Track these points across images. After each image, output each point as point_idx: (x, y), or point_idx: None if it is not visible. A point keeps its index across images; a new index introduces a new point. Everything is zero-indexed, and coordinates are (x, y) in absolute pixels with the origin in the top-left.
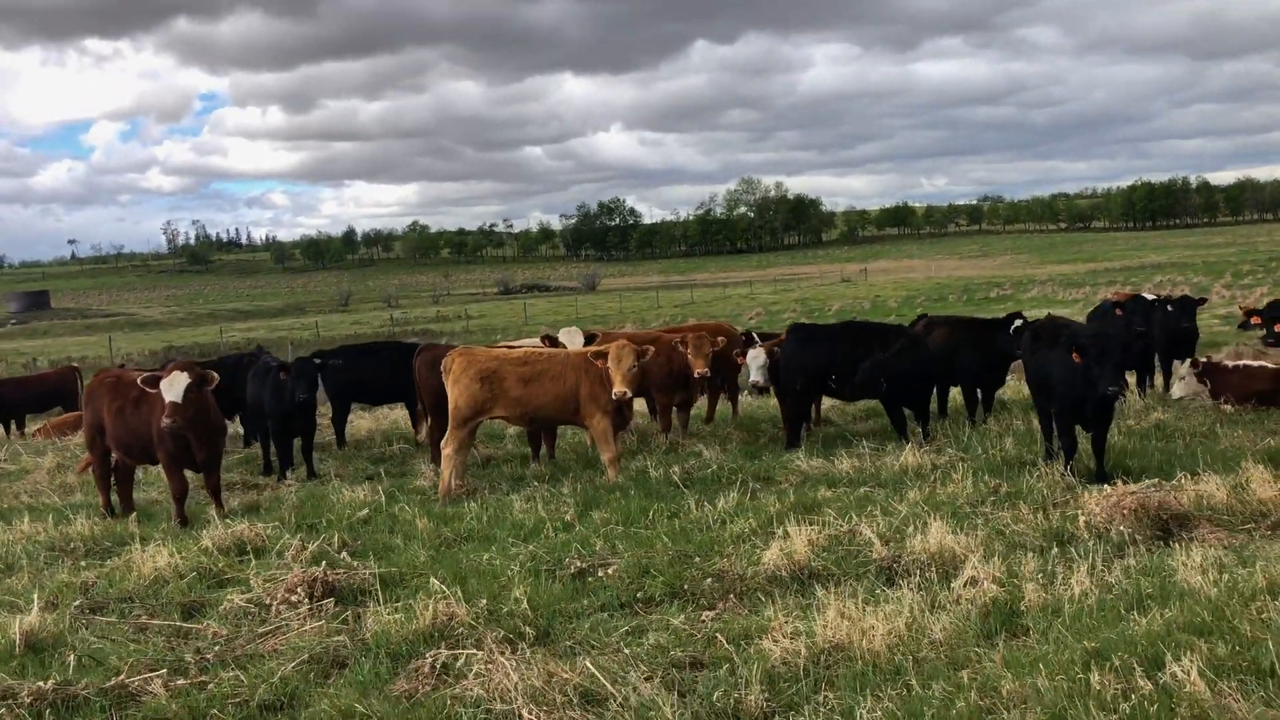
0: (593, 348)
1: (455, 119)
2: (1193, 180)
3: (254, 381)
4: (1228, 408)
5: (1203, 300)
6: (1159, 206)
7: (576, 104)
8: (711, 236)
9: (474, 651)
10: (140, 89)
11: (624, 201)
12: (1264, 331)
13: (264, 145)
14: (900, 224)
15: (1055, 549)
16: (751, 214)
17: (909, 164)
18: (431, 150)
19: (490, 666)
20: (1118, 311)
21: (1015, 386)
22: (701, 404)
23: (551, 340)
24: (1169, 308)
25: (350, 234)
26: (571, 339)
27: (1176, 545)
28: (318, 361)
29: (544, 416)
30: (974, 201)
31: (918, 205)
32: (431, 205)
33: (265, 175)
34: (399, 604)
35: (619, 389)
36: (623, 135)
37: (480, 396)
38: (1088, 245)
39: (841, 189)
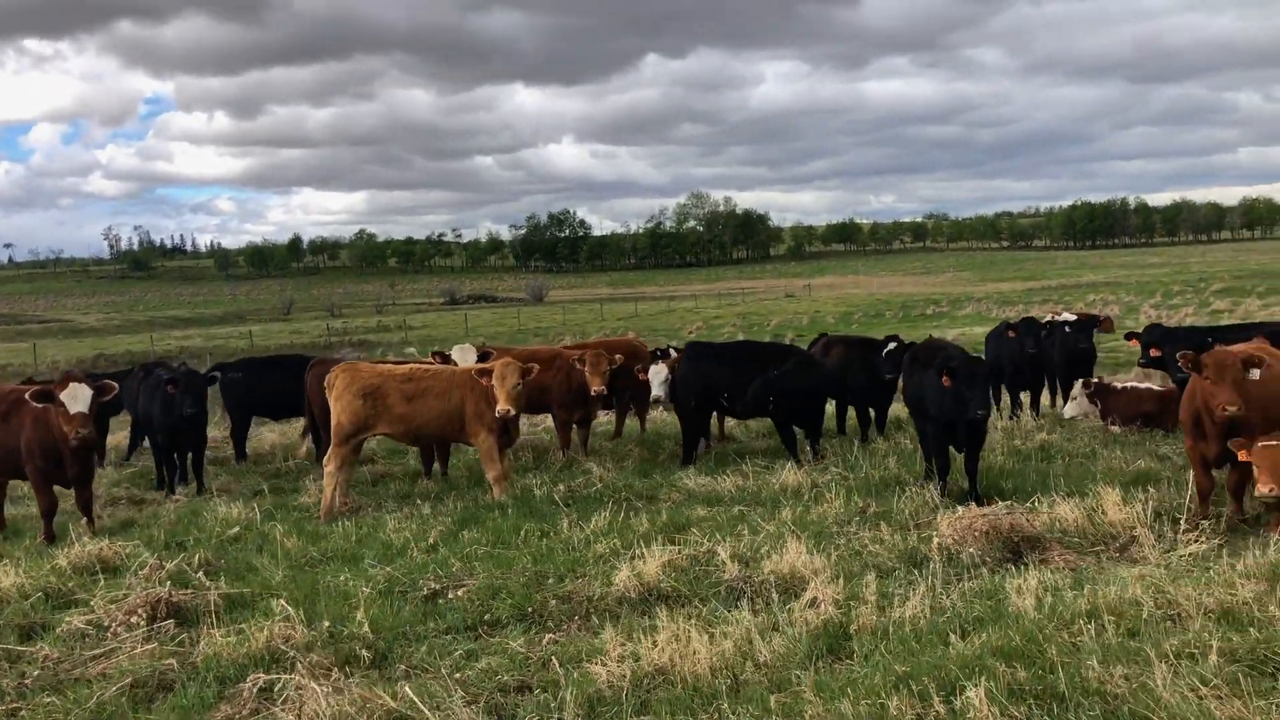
0: (478, 365)
1: (405, 127)
2: (1131, 201)
3: (144, 394)
4: (1115, 428)
5: (1107, 320)
6: (1098, 226)
7: (528, 115)
8: (661, 250)
9: (289, 676)
10: (82, 91)
11: (574, 213)
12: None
13: (210, 151)
14: (847, 240)
15: (905, 570)
16: (701, 228)
17: (858, 181)
18: (381, 158)
19: (301, 692)
20: (1010, 333)
21: None
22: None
23: (444, 357)
24: (1066, 328)
25: (296, 241)
26: (464, 356)
27: (1021, 568)
28: (212, 375)
29: (428, 434)
30: (919, 219)
31: (864, 222)
32: (381, 214)
33: (211, 181)
34: (233, 626)
35: (503, 406)
36: (574, 147)
37: (363, 413)
38: (1028, 264)
39: (792, 204)
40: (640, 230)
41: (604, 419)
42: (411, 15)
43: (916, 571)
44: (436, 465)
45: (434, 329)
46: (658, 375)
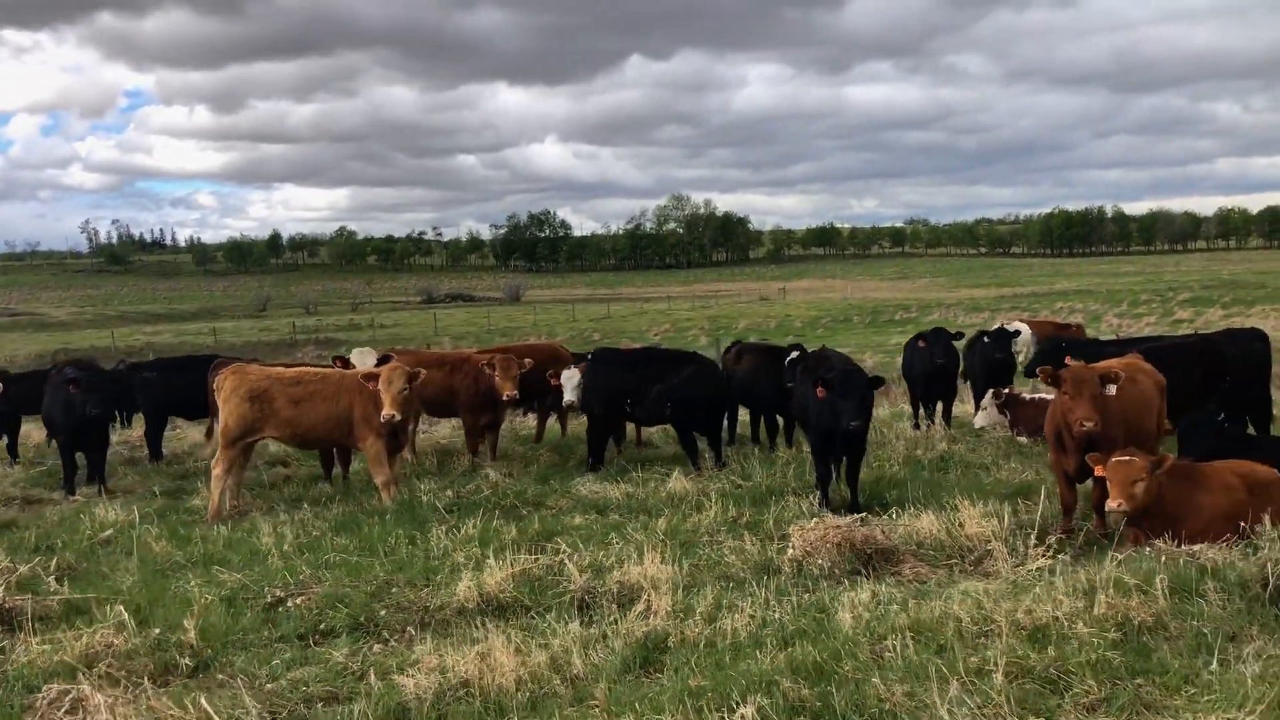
0: (365, 369)
1: (388, 124)
2: (1108, 210)
3: (48, 394)
4: (1023, 439)
5: (1017, 332)
6: (1075, 234)
7: (511, 114)
8: (641, 251)
9: (77, 686)
10: (62, 83)
11: (554, 213)
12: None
13: (191, 145)
14: (826, 244)
15: (755, 581)
16: (681, 230)
17: (840, 185)
18: (363, 155)
19: (84, 704)
20: (921, 343)
21: None
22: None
23: (345, 362)
24: (985, 339)
25: (275, 238)
26: (363, 360)
27: (865, 580)
28: (117, 374)
29: (316, 438)
30: (898, 224)
31: (843, 226)
32: (363, 211)
33: (192, 175)
34: (48, 635)
35: (388, 411)
36: (557, 147)
37: (250, 416)
38: (1004, 270)
39: (774, 208)
40: (620, 231)
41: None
42: (394, 12)
43: (761, 582)
44: (338, 469)
45: (404, 327)
46: (570, 381)
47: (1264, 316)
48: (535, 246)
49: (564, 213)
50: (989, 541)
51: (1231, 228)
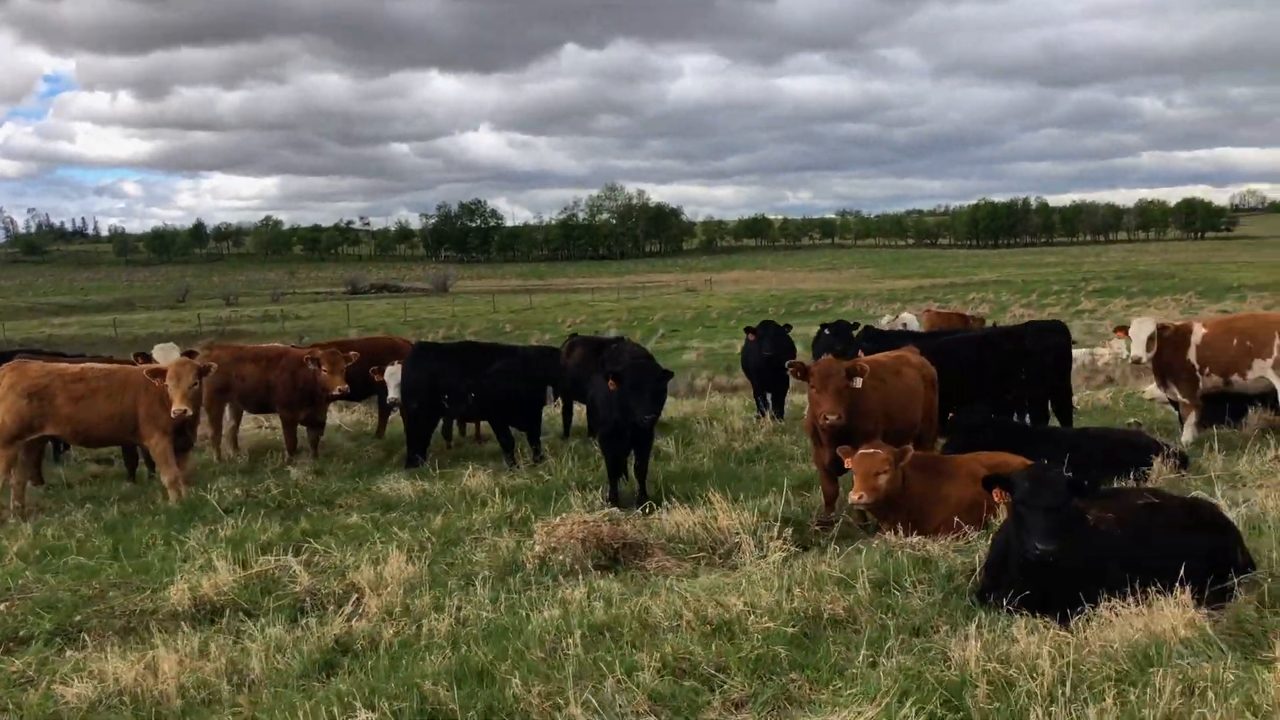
0: (150, 365)
1: (318, 112)
2: (1033, 201)
3: None
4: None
5: (855, 325)
6: (1001, 225)
7: (444, 102)
8: (574, 242)
9: None
10: None
11: (485, 203)
12: None
13: (115, 131)
14: (758, 235)
15: (496, 579)
16: (614, 220)
17: (774, 176)
18: (293, 143)
19: None
20: (750, 336)
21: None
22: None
23: (146, 358)
24: (825, 331)
25: (199, 227)
26: (165, 355)
27: (614, 574)
28: None
29: (100, 436)
30: (829, 216)
31: (775, 218)
32: (294, 200)
33: (116, 163)
34: None
35: (178, 407)
36: (492, 135)
37: (28, 413)
38: (930, 261)
39: (710, 199)
40: (553, 222)
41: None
42: None
43: (499, 580)
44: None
45: (322, 319)
46: (393, 377)
47: (1163, 306)
48: (466, 236)
49: (500, 203)
50: (738, 534)
51: (1151, 220)
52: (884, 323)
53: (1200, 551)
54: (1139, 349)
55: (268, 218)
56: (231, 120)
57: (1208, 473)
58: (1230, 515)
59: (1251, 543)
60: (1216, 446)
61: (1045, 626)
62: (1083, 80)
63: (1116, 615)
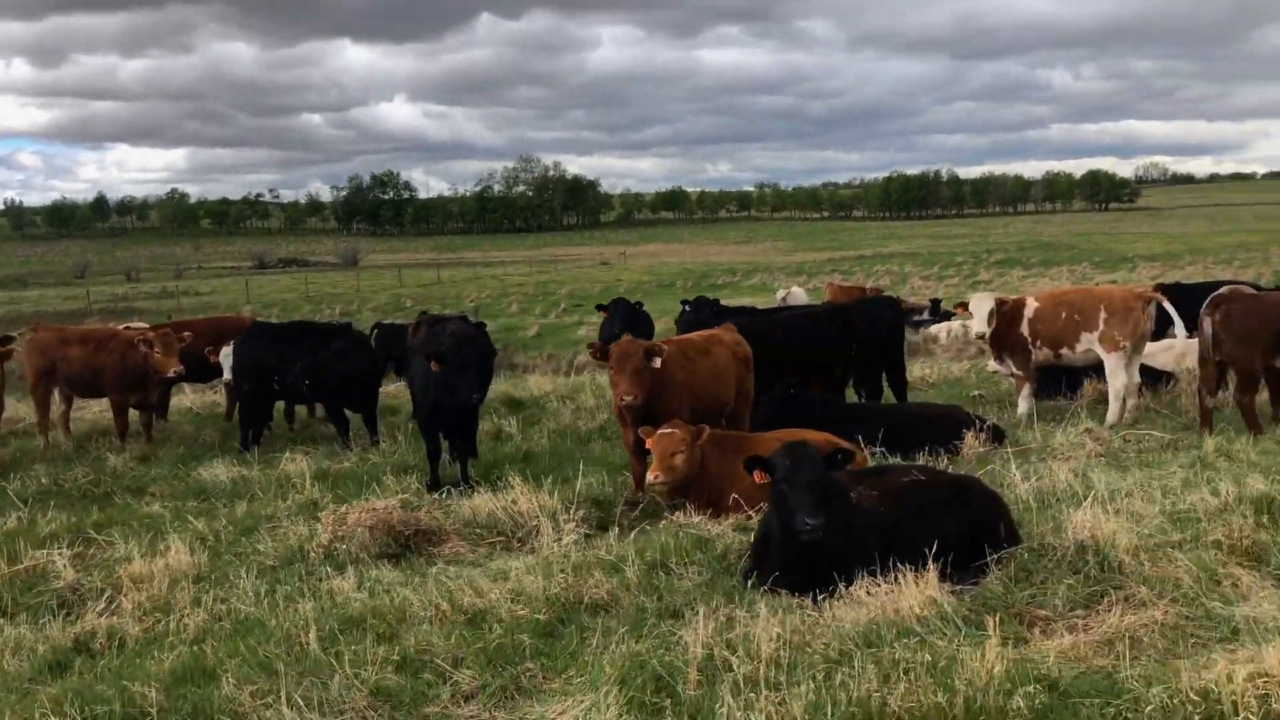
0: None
1: (226, 82)
2: (944, 174)
3: None
4: None
5: (715, 301)
6: (913, 198)
7: (357, 72)
8: (490, 214)
9: None
10: None
11: (398, 175)
12: None
13: (9, 100)
14: (675, 208)
15: (283, 569)
16: (530, 193)
17: (695, 149)
18: (201, 114)
19: None
20: (603, 313)
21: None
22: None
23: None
24: (686, 307)
25: (101, 200)
26: None
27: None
28: None
29: None
30: (749, 188)
31: (692, 190)
32: (203, 172)
33: (11, 133)
34: None
35: None
36: (407, 106)
37: None
38: (844, 234)
39: (631, 171)
40: (468, 194)
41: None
42: None
43: (278, 572)
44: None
45: (223, 295)
46: (227, 359)
47: (1058, 277)
48: (379, 209)
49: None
50: (537, 518)
51: (1057, 191)
52: (778, 297)
53: (963, 528)
54: (980, 324)
55: (173, 190)
56: (135, 90)
57: (1026, 445)
58: (1022, 489)
59: (1032, 517)
60: (1038, 420)
61: (799, 606)
62: (995, 53)
63: (868, 594)
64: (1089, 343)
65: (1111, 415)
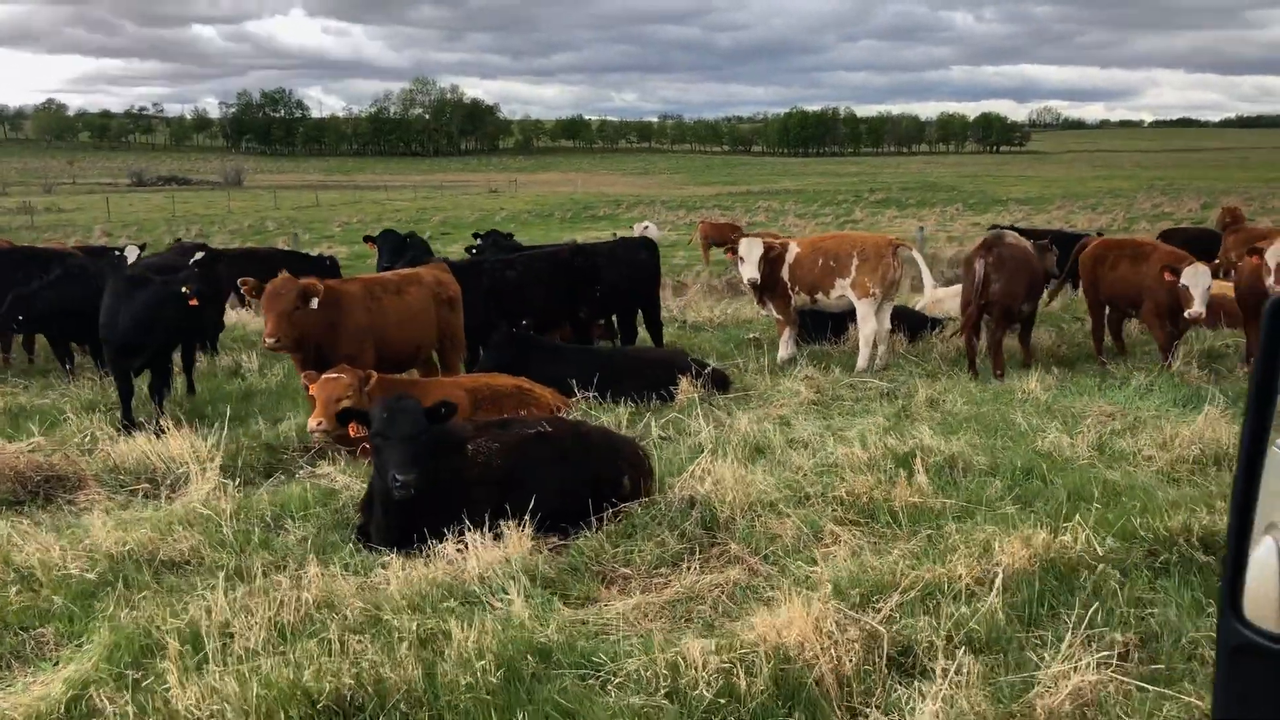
0: None
1: None
2: (842, 112)
3: None
4: None
5: (509, 236)
6: (811, 135)
7: None
8: (385, 137)
9: None
10: None
11: (290, 92)
12: None
13: None
14: (575, 137)
15: None
16: (427, 116)
17: (601, 77)
18: (85, 21)
19: None
20: (370, 245)
21: None
22: None
23: None
24: (477, 242)
25: None
26: None
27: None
28: None
29: None
30: (651, 119)
31: (593, 119)
32: (88, 83)
33: None
34: None
35: None
36: (305, 21)
37: None
38: (740, 169)
39: (536, 97)
40: (363, 115)
41: None
42: None
43: None
44: None
45: (86, 212)
46: None
47: (928, 218)
48: (270, 128)
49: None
50: (187, 464)
51: (951, 132)
52: (636, 230)
53: (583, 481)
54: (751, 270)
55: (49, 100)
56: None
57: (746, 391)
58: (701, 437)
59: (680, 469)
60: (767, 367)
61: (383, 566)
62: None
63: (460, 550)
64: (842, 288)
65: (861, 361)
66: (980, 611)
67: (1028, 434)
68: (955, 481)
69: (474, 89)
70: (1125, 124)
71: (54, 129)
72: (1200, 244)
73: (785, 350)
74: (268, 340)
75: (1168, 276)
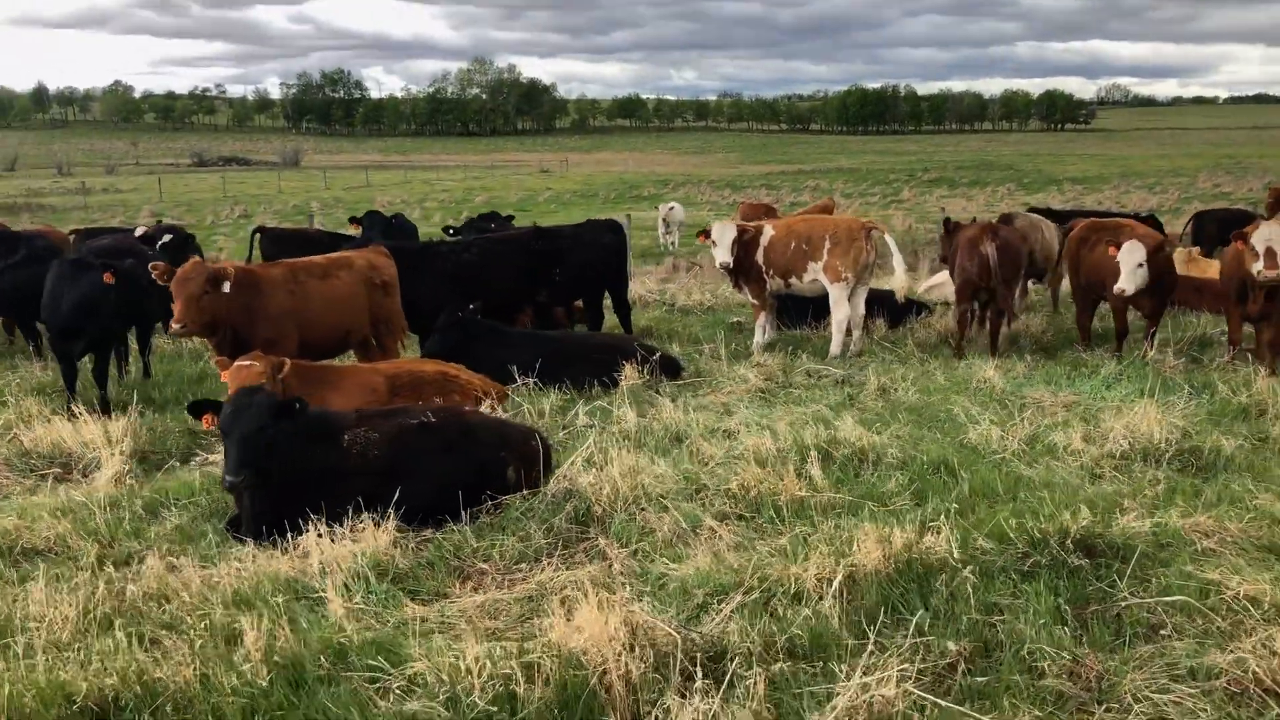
0: None
1: None
2: (901, 89)
3: None
4: None
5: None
6: (870, 112)
7: None
8: (443, 117)
9: None
10: None
11: (349, 73)
12: None
13: None
14: (631, 116)
15: None
16: (485, 96)
17: (660, 55)
18: (153, 3)
19: None
20: (355, 226)
21: None
22: None
23: None
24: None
25: (40, 91)
26: None
27: None
28: None
29: None
30: (711, 98)
31: (649, 98)
32: (157, 64)
33: None
34: None
35: None
36: (367, 2)
37: None
38: (797, 147)
39: (596, 75)
40: (421, 95)
41: None
42: None
43: None
44: None
45: (142, 193)
46: None
47: (968, 198)
48: (330, 108)
49: (377, 72)
50: (97, 450)
51: (1014, 110)
52: (660, 211)
53: (463, 473)
54: (724, 254)
55: (117, 82)
56: None
57: (705, 378)
58: (629, 423)
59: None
60: (724, 354)
61: (238, 558)
62: None
63: (314, 542)
64: (815, 272)
65: (834, 347)
66: (803, 617)
67: (962, 425)
68: (857, 475)
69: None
70: (1199, 101)
71: (121, 111)
72: (1231, 225)
73: (760, 335)
74: (175, 325)
75: (1111, 251)
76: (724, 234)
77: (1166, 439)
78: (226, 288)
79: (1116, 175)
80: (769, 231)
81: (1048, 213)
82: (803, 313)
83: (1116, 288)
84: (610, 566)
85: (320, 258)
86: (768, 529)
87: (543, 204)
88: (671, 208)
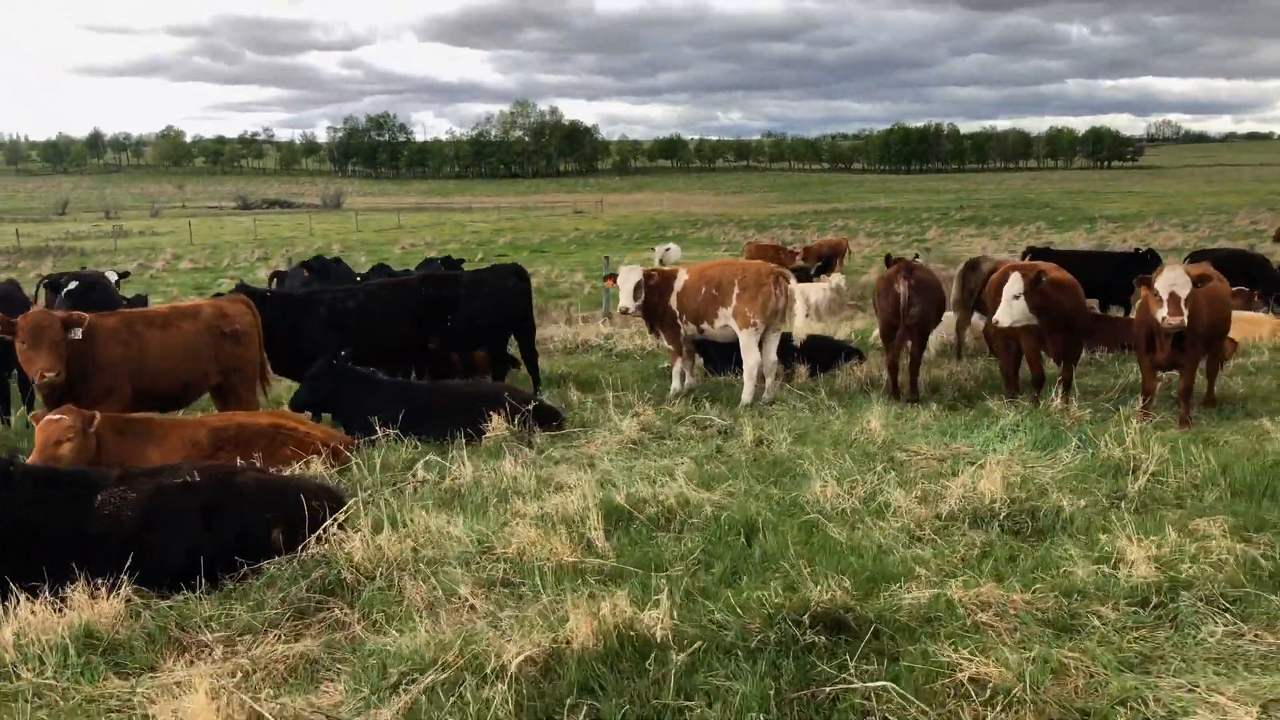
0: None
1: (232, 18)
2: (944, 127)
3: None
4: None
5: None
6: (913, 151)
7: (364, 9)
8: (486, 159)
9: None
10: None
11: (394, 116)
12: None
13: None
14: (672, 156)
15: None
16: (527, 138)
17: (705, 96)
18: (209, 50)
19: None
20: (306, 273)
21: None
22: None
23: None
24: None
25: (96, 137)
26: None
27: None
28: None
29: None
30: (756, 138)
31: (690, 138)
32: (211, 110)
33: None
34: None
35: None
36: (416, 46)
37: None
38: (835, 186)
39: (641, 117)
40: (465, 138)
41: None
42: None
43: None
44: None
45: (176, 235)
46: None
47: (994, 236)
48: (375, 151)
49: (426, 116)
50: None
51: (1060, 148)
52: (657, 251)
53: (221, 537)
54: (625, 299)
55: (168, 127)
56: (138, 24)
57: (582, 429)
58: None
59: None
60: (612, 403)
61: None
62: (1010, 5)
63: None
64: (725, 318)
65: (746, 395)
66: (481, 702)
67: (805, 480)
68: (651, 537)
69: (580, 110)
70: (1254, 136)
71: (172, 155)
72: (1224, 266)
73: (677, 383)
74: (47, 374)
75: (994, 281)
76: (628, 279)
77: (1002, 498)
78: (77, 334)
79: (1154, 213)
80: (683, 276)
81: (1044, 253)
82: (726, 359)
83: (993, 319)
84: (327, 642)
85: (165, 306)
86: (528, 595)
87: (563, 245)
88: (668, 248)
